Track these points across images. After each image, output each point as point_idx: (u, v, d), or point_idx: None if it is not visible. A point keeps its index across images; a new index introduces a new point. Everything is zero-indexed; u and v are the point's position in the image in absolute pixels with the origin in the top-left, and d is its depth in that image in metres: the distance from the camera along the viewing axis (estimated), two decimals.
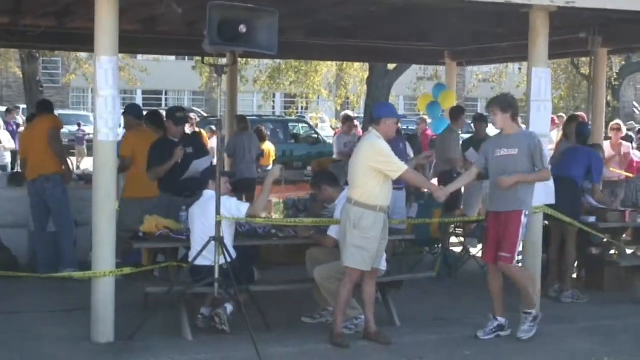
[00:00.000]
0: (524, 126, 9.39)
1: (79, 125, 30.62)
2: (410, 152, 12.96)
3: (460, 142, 13.57)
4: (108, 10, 8.01)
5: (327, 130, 36.64)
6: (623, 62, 33.64)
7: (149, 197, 10.42)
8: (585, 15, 10.20)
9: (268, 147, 18.22)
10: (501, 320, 8.75)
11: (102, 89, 8.04)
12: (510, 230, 8.54)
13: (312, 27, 13.94)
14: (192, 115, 21.36)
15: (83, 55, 30.31)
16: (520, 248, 8.81)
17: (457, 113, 13.67)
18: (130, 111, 11.59)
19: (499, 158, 8.61)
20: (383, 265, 8.64)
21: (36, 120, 11.63)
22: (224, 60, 12.90)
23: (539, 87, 9.53)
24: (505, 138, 8.66)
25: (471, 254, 12.34)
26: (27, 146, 11.48)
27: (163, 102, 55.09)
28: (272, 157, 18.31)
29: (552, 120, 14.49)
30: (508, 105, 8.64)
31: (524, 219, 8.55)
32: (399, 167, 8.24)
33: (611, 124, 14.41)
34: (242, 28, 7.66)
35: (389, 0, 9.48)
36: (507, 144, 8.61)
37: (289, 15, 10.58)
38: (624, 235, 11.61)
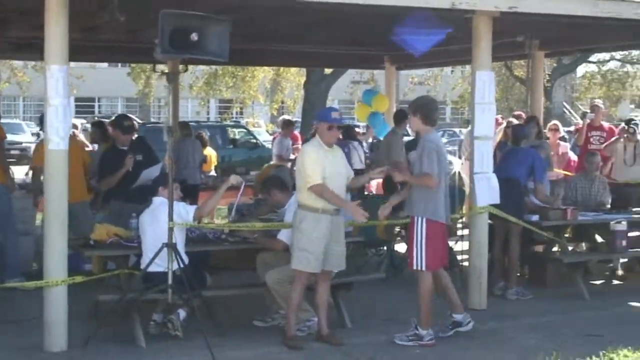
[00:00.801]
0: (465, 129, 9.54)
1: None
2: (359, 156, 13.23)
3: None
4: (57, 20, 8.02)
5: (263, 135, 36.70)
6: (554, 64, 34.28)
7: (79, 201, 10.47)
8: (525, 19, 10.43)
9: (210, 152, 18.22)
10: (456, 316, 8.88)
11: (53, 97, 8.05)
12: (409, 235, 8.69)
13: (250, 34, 13.99)
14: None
15: (18, 63, 29.99)
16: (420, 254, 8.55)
17: (400, 117, 13.87)
18: None
19: (412, 161, 8.77)
20: (341, 266, 8.61)
21: None
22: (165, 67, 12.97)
23: (483, 90, 9.75)
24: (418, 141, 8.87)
25: None
26: None
27: (96, 109, 54.66)
28: (214, 163, 18.32)
29: (496, 121, 14.74)
30: (416, 108, 8.62)
31: (418, 226, 8.45)
32: (312, 179, 8.27)
33: (549, 124, 14.72)
34: (194, 36, 7.73)
35: (327, 7, 9.55)
36: (416, 147, 8.80)
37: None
38: (566, 233, 11.90)
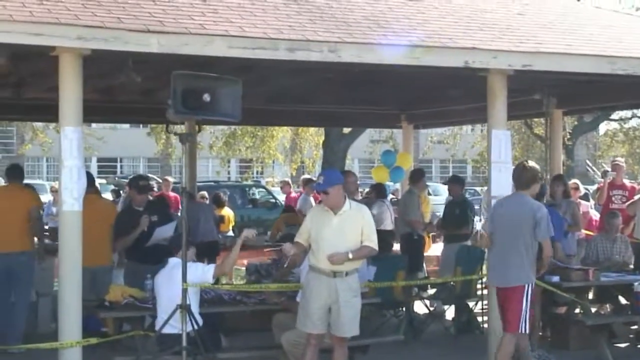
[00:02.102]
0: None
1: None
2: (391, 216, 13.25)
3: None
4: (72, 82, 8.06)
5: (283, 195, 36.71)
6: (575, 122, 34.23)
7: (100, 265, 10.39)
8: (540, 77, 10.41)
9: (227, 212, 18.21)
10: None
11: (67, 159, 8.05)
12: (514, 299, 8.66)
13: (268, 94, 14.05)
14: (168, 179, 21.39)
15: (39, 124, 30.25)
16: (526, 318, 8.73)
17: (417, 175, 13.83)
18: None
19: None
20: (344, 332, 8.36)
21: (10, 190, 11.21)
22: (182, 127, 13.00)
23: (499, 148, 9.68)
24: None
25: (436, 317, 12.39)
26: (4, 217, 10.71)
27: (118, 169, 54.95)
28: (232, 223, 18.27)
29: None
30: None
31: (527, 291, 8.62)
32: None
33: (569, 183, 14.60)
34: (206, 97, 7.73)
35: (344, 67, 9.56)
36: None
37: (246, 83, 10.71)
38: (589, 294, 11.72)
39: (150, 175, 41.30)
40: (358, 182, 13.53)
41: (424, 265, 14.14)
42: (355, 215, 8.39)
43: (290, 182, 23.60)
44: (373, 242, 8.39)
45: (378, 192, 15.19)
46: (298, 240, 8.36)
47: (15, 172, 11.24)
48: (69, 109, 8.07)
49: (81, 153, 8.13)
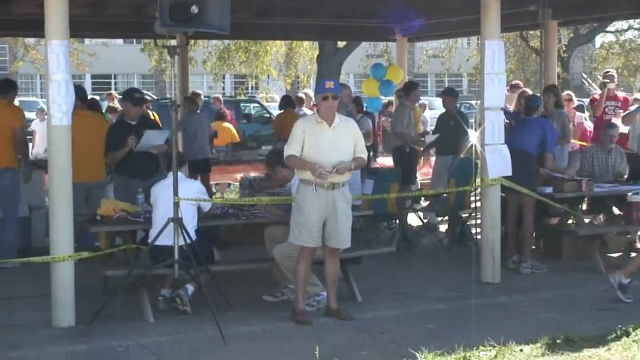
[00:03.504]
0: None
1: None
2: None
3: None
4: None
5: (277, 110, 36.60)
6: (571, 35, 33.96)
7: (95, 181, 10.48)
8: None
9: (229, 127, 18.21)
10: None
11: (54, 73, 7.96)
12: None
13: (260, 7, 13.87)
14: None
15: (30, 41, 29.96)
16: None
17: (409, 88, 13.73)
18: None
19: None
20: (342, 244, 8.45)
21: None
22: (174, 42, 12.84)
23: (493, 60, 9.59)
24: None
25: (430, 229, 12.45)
26: None
27: (112, 86, 54.63)
28: (233, 139, 18.08)
29: (517, 85, 14.64)
30: None
31: None
32: (285, 150, 8.32)
33: (562, 95, 14.51)
34: (194, 9, 7.59)
35: None
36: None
37: None
38: (582, 205, 11.73)
39: (144, 91, 41.31)
40: (352, 95, 13.47)
41: (417, 178, 14.12)
42: (347, 128, 8.37)
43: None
44: (364, 154, 8.46)
45: (357, 105, 15.10)
46: (292, 152, 8.22)
47: (3, 87, 11.14)
48: (55, 22, 7.93)
49: (68, 67, 8.03)
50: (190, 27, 7.90)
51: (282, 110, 16.51)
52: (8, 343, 7.69)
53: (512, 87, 14.29)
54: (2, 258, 10.17)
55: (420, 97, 16.67)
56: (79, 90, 11.57)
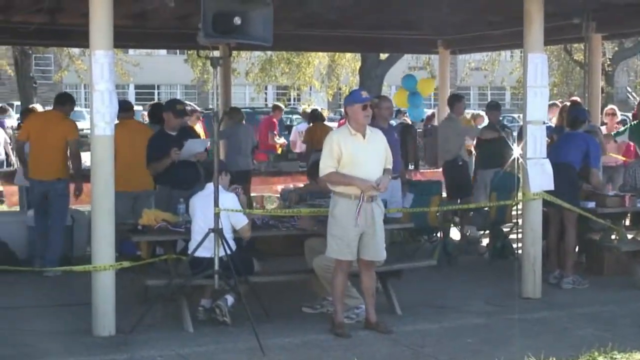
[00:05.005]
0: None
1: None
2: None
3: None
4: (102, 4, 8.00)
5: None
6: (616, 48, 33.66)
7: (142, 190, 10.57)
8: (579, 0, 10.18)
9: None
10: None
11: (98, 83, 8.03)
12: None
13: (302, 19, 13.91)
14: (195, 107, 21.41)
15: (75, 51, 30.24)
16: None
17: (453, 100, 13.58)
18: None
19: None
20: (379, 257, 8.43)
21: (50, 116, 11.48)
22: (217, 53, 12.92)
23: (535, 72, 9.53)
24: None
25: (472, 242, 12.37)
26: (42, 145, 11.05)
27: (156, 96, 55.02)
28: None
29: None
30: None
31: None
32: (321, 167, 8.25)
33: (606, 109, 14.40)
34: (237, 20, 7.63)
35: None
36: None
37: (279, 7, 10.61)
38: (625, 221, 11.61)
39: (187, 102, 41.55)
40: (394, 109, 13.43)
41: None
42: (378, 138, 8.36)
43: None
44: (391, 164, 8.48)
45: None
46: (330, 170, 8.16)
47: (60, 100, 11.46)
48: (100, 32, 8.01)
49: (112, 77, 8.09)
50: (233, 39, 7.92)
51: (311, 124, 16.90)
52: (49, 351, 7.75)
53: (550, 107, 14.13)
54: (46, 266, 10.30)
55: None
56: (125, 103, 11.88)
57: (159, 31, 14.56)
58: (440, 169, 15.94)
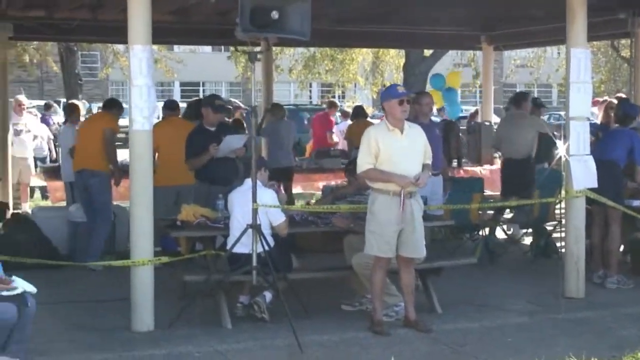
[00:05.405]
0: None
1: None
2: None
3: None
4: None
5: None
6: None
7: (183, 185, 10.59)
8: None
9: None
10: None
11: (136, 78, 8.03)
12: None
13: (344, 14, 13.86)
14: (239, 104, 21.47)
15: (120, 48, 30.43)
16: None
17: (520, 99, 13.03)
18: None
19: None
20: (418, 254, 8.36)
21: (95, 115, 11.77)
22: (258, 49, 12.90)
23: (578, 68, 9.37)
24: None
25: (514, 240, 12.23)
26: (80, 138, 11.62)
27: (201, 93, 55.26)
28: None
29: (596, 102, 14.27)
30: None
31: None
32: (359, 164, 8.19)
33: None
34: (274, 14, 7.59)
35: None
36: None
37: (320, 3, 10.56)
38: None
39: (232, 99, 41.65)
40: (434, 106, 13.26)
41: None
42: (417, 134, 8.28)
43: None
44: (431, 159, 8.38)
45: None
46: (368, 167, 8.11)
47: (107, 103, 12.03)
48: (138, 27, 8.00)
49: (151, 72, 8.08)
50: (270, 33, 7.86)
51: (355, 120, 16.68)
52: (88, 346, 7.77)
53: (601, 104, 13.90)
54: (87, 260, 10.35)
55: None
56: (171, 102, 12.47)
57: (202, 27, 14.59)
58: (485, 166, 15.84)
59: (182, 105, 15.01)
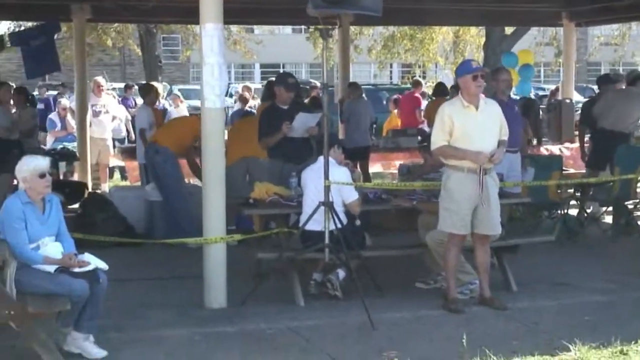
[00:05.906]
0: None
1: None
2: None
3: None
4: None
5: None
6: None
7: (251, 156, 10.81)
8: None
9: None
10: None
11: (208, 56, 8.03)
12: None
13: None
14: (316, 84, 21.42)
15: (198, 29, 30.69)
16: None
17: (636, 79, 12.72)
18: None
19: None
20: (493, 231, 8.23)
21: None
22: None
23: None
24: None
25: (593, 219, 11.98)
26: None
27: None
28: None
29: None
30: None
31: None
32: (433, 140, 8.09)
33: None
34: None
35: None
36: None
37: None
38: None
39: (312, 80, 41.66)
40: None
41: None
42: (493, 110, 8.15)
43: None
44: (507, 135, 8.23)
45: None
46: (442, 143, 8.01)
47: (142, 89, 12.91)
48: (209, 5, 8.00)
49: (222, 50, 8.07)
50: (342, 9, 7.80)
51: (435, 98, 16.45)
52: (161, 322, 7.84)
53: None
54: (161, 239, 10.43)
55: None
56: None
57: (277, 7, 14.53)
58: (566, 144, 15.58)
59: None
